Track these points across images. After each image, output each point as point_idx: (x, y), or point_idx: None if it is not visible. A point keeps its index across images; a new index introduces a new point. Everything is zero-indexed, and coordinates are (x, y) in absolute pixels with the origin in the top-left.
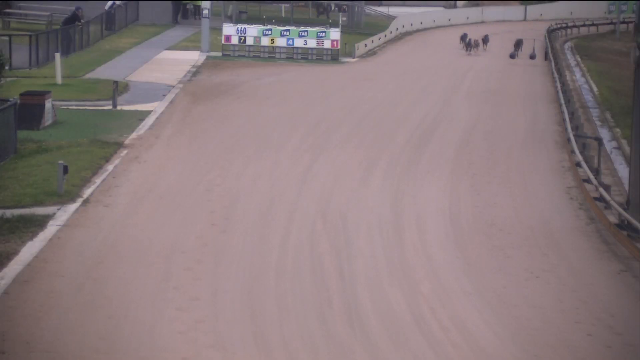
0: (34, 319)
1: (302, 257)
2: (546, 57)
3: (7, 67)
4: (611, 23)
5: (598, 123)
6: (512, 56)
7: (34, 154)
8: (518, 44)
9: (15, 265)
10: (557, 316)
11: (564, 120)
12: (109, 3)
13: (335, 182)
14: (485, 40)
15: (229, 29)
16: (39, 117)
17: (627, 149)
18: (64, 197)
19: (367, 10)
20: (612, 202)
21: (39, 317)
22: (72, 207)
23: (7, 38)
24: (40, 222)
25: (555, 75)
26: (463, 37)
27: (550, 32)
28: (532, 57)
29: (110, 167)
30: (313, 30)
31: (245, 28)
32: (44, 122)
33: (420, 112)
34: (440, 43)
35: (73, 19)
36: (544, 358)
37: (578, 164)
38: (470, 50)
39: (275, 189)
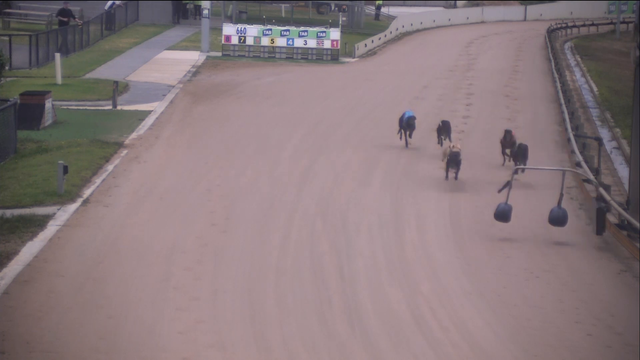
0: (34, 319)
1: (302, 257)
2: (599, 230)
3: (7, 67)
4: (611, 23)
5: (598, 123)
6: (500, 217)
7: (34, 154)
8: (519, 151)
9: (15, 265)
10: (557, 316)
11: (564, 120)
12: (109, 3)
13: (335, 182)
14: (446, 129)
15: (229, 29)
16: (39, 117)
17: (627, 149)
18: (64, 197)
19: (367, 10)
20: (612, 202)
21: (39, 317)
22: (72, 207)
23: (7, 38)
24: (40, 222)
25: None
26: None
27: (550, 32)
28: (558, 221)
29: (110, 167)
30: (313, 30)
31: (245, 28)
32: (44, 122)
33: (421, 112)
34: (440, 43)
35: (64, 14)
36: (544, 358)
37: (578, 164)
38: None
39: (275, 189)
